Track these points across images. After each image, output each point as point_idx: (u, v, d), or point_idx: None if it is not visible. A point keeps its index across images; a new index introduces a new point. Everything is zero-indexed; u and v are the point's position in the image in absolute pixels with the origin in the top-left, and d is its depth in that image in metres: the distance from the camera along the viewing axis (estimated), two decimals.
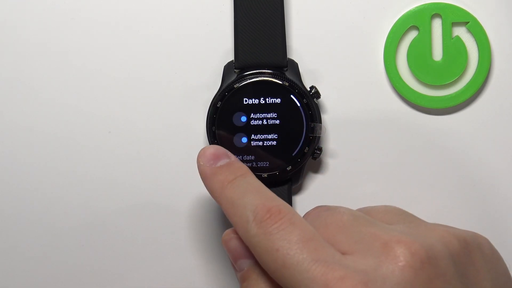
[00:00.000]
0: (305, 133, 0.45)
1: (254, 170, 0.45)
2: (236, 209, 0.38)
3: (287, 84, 0.44)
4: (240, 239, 0.38)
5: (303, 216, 0.39)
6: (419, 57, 0.46)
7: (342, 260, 0.35)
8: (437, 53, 0.46)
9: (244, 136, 0.45)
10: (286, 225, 0.36)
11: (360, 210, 0.39)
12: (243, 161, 0.45)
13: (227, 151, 0.41)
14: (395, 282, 0.34)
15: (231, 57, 0.46)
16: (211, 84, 0.47)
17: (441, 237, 0.37)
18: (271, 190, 0.45)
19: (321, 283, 0.34)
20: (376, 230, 0.36)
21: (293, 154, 0.45)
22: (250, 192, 0.38)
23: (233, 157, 0.41)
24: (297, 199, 0.48)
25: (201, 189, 0.48)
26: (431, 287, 0.35)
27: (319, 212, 0.38)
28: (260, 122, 0.45)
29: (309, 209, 0.46)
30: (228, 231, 0.39)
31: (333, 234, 0.37)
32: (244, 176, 0.39)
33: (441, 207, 0.48)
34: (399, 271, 0.34)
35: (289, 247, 0.35)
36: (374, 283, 0.34)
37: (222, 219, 0.48)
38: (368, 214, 0.39)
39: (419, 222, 0.39)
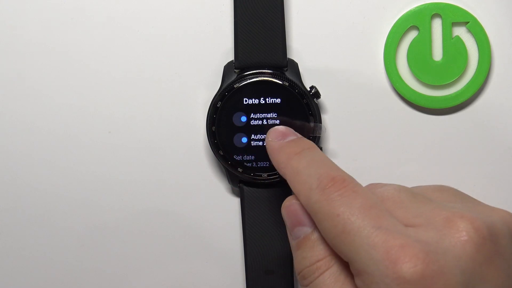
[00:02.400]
0: (305, 133, 0.45)
1: (254, 170, 0.45)
2: (300, 177, 0.38)
3: (287, 84, 0.44)
4: (301, 205, 0.39)
5: None
6: (419, 57, 0.46)
7: (403, 230, 0.35)
8: (437, 53, 0.46)
9: (244, 136, 0.45)
10: (349, 193, 0.36)
11: (414, 188, 0.40)
12: (243, 161, 0.45)
13: (294, 131, 0.43)
14: (456, 255, 0.34)
15: (231, 57, 0.46)
16: (211, 84, 0.47)
17: (502, 217, 0.37)
18: (271, 190, 0.46)
19: (382, 250, 0.34)
20: (435, 207, 0.37)
21: None
22: (316, 163, 0.39)
23: (300, 135, 0.42)
24: None
25: (201, 189, 0.48)
26: (491, 263, 0.35)
27: (374, 188, 0.39)
28: (260, 122, 0.45)
29: None
30: (290, 197, 0.40)
31: (392, 209, 0.37)
32: (310, 150, 0.40)
33: None
34: (461, 245, 0.35)
35: (350, 212, 0.35)
36: (435, 254, 0.34)
37: (223, 218, 0.48)
38: (423, 192, 0.39)
39: (477, 202, 0.39)
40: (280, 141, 0.41)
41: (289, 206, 0.39)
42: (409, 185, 0.47)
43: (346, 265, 0.37)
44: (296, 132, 0.42)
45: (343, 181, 0.37)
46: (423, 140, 0.47)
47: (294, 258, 0.39)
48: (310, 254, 0.38)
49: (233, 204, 0.48)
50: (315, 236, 0.38)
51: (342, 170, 0.38)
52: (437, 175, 0.47)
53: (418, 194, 0.38)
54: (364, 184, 0.47)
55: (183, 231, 0.48)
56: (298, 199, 0.39)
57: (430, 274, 0.33)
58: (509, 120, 0.47)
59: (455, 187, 0.47)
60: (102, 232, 0.48)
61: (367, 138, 0.47)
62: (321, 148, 0.45)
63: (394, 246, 0.34)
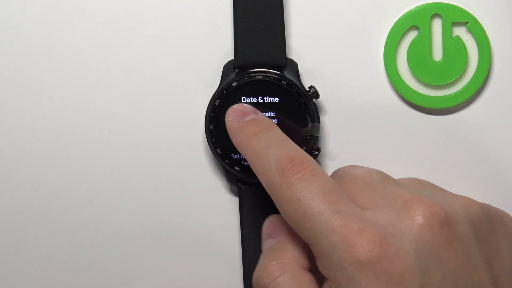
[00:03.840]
0: (303, 132, 0.44)
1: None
2: (260, 159, 0.38)
3: (285, 83, 0.44)
4: (277, 219, 0.40)
5: (334, 171, 0.41)
6: (419, 57, 0.46)
7: (361, 214, 0.36)
8: (437, 53, 0.46)
9: None
10: (308, 176, 0.37)
11: (389, 175, 0.40)
12: (240, 159, 0.45)
13: (254, 108, 0.42)
14: (412, 238, 0.35)
15: (230, 56, 0.46)
16: (211, 84, 0.47)
17: (464, 203, 0.38)
18: None
19: (340, 234, 0.35)
20: (400, 190, 0.38)
21: None
22: (274, 143, 0.39)
23: (260, 113, 0.42)
24: None
25: (200, 188, 0.48)
26: (448, 247, 0.36)
27: (350, 168, 0.40)
28: None
29: None
30: (272, 215, 0.41)
31: (360, 188, 0.38)
32: (269, 129, 0.40)
33: None
34: (417, 229, 0.36)
35: (310, 197, 0.36)
36: (391, 237, 0.35)
37: (222, 217, 0.48)
38: (397, 180, 0.40)
39: (445, 192, 0.40)
40: (239, 120, 0.41)
41: (266, 221, 0.40)
42: None
43: (304, 271, 0.38)
44: (255, 110, 0.42)
45: (302, 163, 0.37)
46: (423, 140, 0.47)
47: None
48: (266, 260, 0.39)
49: (232, 203, 0.48)
50: (277, 245, 0.39)
51: (301, 150, 0.38)
52: (437, 175, 0.47)
53: (389, 178, 0.39)
54: None
55: (182, 231, 0.48)
56: (277, 216, 0.40)
57: (386, 257, 0.34)
58: (509, 120, 0.47)
59: (455, 187, 0.47)
60: (101, 232, 0.48)
61: (367, 138, 0.47)
62: (319, 149, 0.45)
63: (352, 231, 0.35)
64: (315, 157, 0.45)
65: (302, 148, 0.44)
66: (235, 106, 0.42)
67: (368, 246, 0.34)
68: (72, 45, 0.47)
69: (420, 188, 0.40)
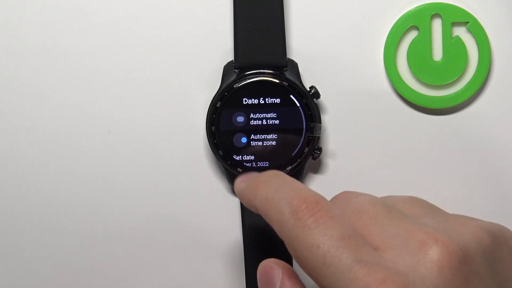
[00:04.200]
0: (305, 133, 0.45)
1: (254, 170, 0.45)
2: (270, 203, 0.36)
3: (286, 84, 0.44)
4: (273, 264, 0.38)
5: (330, 200, 0.38)
6: (419, 57, 0.46)
7: (381, 261, 0.34)
8: (437, 53, 0.46)
9: (243, 136, 0.45)
10: (326, 219, 0.35)
11: (384, 198, 0.39)
12: (242, 161, 0.45)
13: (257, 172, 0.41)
14: (433, 282, 0.34)
15: (231, 57, 0.46)
16: (211, 84, 0.47)
17: (474, 233, 0.37)
18: None
19: (363, 285, 0.33)
20: (410, 225, 0.36)
21: (293, 154, 0.45)
22: (284, 186, 0.37)
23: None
24: None
25: (201, 189, 0.48)
26: (468, 284, 0.35)
27: (349, 199, 0.37)
28: (259, 122, 0.45)
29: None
30: (266, 260, 0.39)
31: (366, 225, 0.36)
32: (276, 175, 0.38)
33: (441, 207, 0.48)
34: (438, 272, 0.34)
35: (330, 244, 0.34)
36: (413, 285, 0.34)
37: (223, 218, 0.48)
38: (395, 205, 0.38)
39: (446, 216, 0.38)
40: (246, 180, 0.39)
41: (261, 266, 0.38)
42: (409, 185, 0.48)
43: None
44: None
45: (317, 203, 0.35)
46: (423, 140, 0.47)
47: None
48: None
49: (233, 204, 0.48)
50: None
51: (313, 191, 0.36)
52: (437, 175, 0.47)
53: (392, 209, 0.37)
54: (364, 184, 0.48)
55: (183, 231, 0.48)
56: (272, 260, 0.38)
57: None
58: (509, 120, 0.47)
59: (455, 187, 0.47)
60: (102, 232, 0.48)
61: (367, 138, 0.47)
62: (320, 149, 0.45)
63: (376, 281, 0.33)
64: (317, 157, 0.45)
65: (304, 148, 0.45)
66: (241, 176, 0.40)
67: None
68: (72, 45, 0.47)
69: (420, 214, 0.38)
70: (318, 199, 0.35)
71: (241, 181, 0.39)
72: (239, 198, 0.39)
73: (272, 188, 0.37)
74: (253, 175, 0.39)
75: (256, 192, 0.37)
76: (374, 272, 0.34)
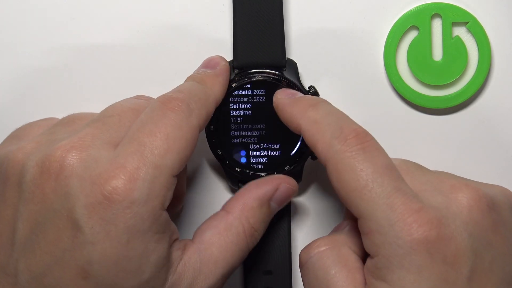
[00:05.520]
0: None
1: (252, 170, 0.45)
2: (319, 125, 0.38)
3: (285, 84, 0.44)
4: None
5: None
6: (419, 57, 0.46)
7: (417, 195, 0.36)
8: (437, 53, 0.46)
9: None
10: (372, 149, 0.37)
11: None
12: (241, 160, 0.45)
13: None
14: (463, 220, 0.36)
15: (230, 57, 0.46)
16: None
17: (502, 190, 0.39)
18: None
19: (399, 211, 0.35)
20: (441, 176, 0.38)
21: (292, 154, 0.45)
22: (335, 114, 0.39)
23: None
24: (297, 199, 0.48)
25: (201, 188, 0.48)
26: (496, 231, 0.36)
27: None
28: None
29: (308, 210, 0.46)
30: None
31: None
32: (326, 103, 0.40)
33: None
34: (468, 211, 0.36)
35: (374, 169, 0.36)
36: (446, 219, 0.35)
37: None
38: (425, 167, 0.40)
39: (475, 181, 0.40)
40: (292, 97, 0.41)
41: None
42: None
43: (351, 251, 0.38)
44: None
45: (366, 135, 0.37)
46: (423, 140, 0.47)
47: None
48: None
49: None
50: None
51: (361, 127, 0.38)
52: None
53: (424, 167, 0.39)
54: None
55: (184, 231, 0.48)
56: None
57: (442, 238, 0.35)
58: (509, 120, 0.47)
59: None
60: None
61: None
62: None
63: (411, 210, 0.35)
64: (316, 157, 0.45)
65: (303, 148, 0.45)
66: (284, 88, 0.42)
67: (426, 226, 0.35)
68: (72, 46, 0.47)
69: (450, 177, 0.40)
70: (367, 133, 0.37)
71: (286, 95, 0.41)
72: (279, 110, 0.41)
73: (322, 113, 0.38)
74: (299, 93, 0.42)
75: (304, 113, 0.39)
76: (410, 202, 0.35)
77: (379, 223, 0.35)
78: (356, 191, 0.36)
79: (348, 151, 0.36)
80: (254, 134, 0.45)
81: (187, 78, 0.43)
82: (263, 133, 0.45)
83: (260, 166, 0.45)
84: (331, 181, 0.37)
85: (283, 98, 0.41)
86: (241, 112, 0.45)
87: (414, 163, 0.40)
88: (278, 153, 0.45)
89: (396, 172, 0.36)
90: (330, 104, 0.40)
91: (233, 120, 0.45)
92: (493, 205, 0.37)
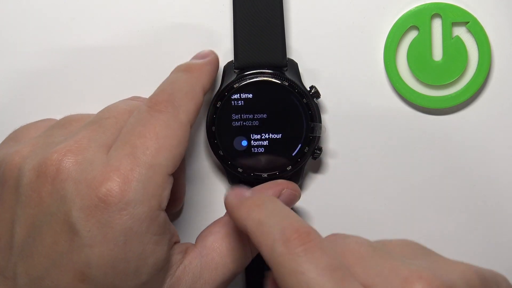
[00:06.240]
0: (305, 133, 0.44)
1: (254, 170, 0.45)
2: (263, 227, 0.36)
3: (286, 84, 0.44)
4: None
5: (324, 238, 0.37)
6: (419, 57, 0.46)
7: None
8: (437, 53, 0.46)
9: (244, 136, 0.45)
10: (315, 250, 0.34)
11: (376, 242, 0.38)
12: (243, 161, 0.45)
13: (252, 188, 0.41)
14: None
15: (231, 57, 0.46)
16: None
17: (463, 273, 0.36)
18: None
19: None
20: (395, 264, 0.35)
21: (293, 154, 0.45)
22: (278, 214, 0.37)
23: (259, 191, 0.41)
24: None
25: (202, 189, 0.48)
26: None
27: (336, 240, 0.37)
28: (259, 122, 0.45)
29: (310, 210, 0.46)
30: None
31: (351, 264, 0.35)
32: (272, 201, 0.38)
33: (441, 208, 0.48)
34: None
35: (316, 272, 0.34)
36: None
37: None
38: (385, 247, 0.37)
39: (438, 258, 0.37)
40: (240, 198, 0.39)
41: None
42: (409, 185, 0.48)
43: None
44: (254, 189, 0.42)
45: (308, 234, 0.35)
46: (423, 140, 0.47)
47: None
48: None
49: None
50: None
51: (306, 222, 0.36)
52: (436, 175, 0.47)
53: (378, 249, 0.36)
54: (364, 184, 0.48)
55: (184, 231, 0.48)
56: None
57: None
58: (509, 120, 0.47)
59: (455, 188, 0.47)
60: None
61: (367, 138, 0.47)
62: (321, 149, 0.45)
63: None
64: (317, 157, 0.45)
65: (304, 148, 0.45)
66: (233, 188, 0.40)
67: None
68: (72, 45, 0.47)
69: (411, 256, 0.37)
70: (310, 231, 0.35)
71: (234, 196, 0.39)
72: (228, 211, 0.39)
73: (266, 213, 0.37)
74: (247, 192, 0.39)
75: (249, 213, 0.37)
76: None
77: None
78: None
79: (289, 253, 0.34)
80: (254, 134, 0.45)
81: (175, 68, 0.43)
82: (263, 132, 0.45)
83: (262, 168, 0.45)
84: (278, 285, 0.35)
85: (231, 199, 0.39)
86: (242, 112, 0.45)
87: (370, 245, 0.37)
88: (280, 153, 0.45)
89: (341, 272, 0.34)
90: (277, 201, 0.38)
91: (234, 117, 0.45)
92: None
